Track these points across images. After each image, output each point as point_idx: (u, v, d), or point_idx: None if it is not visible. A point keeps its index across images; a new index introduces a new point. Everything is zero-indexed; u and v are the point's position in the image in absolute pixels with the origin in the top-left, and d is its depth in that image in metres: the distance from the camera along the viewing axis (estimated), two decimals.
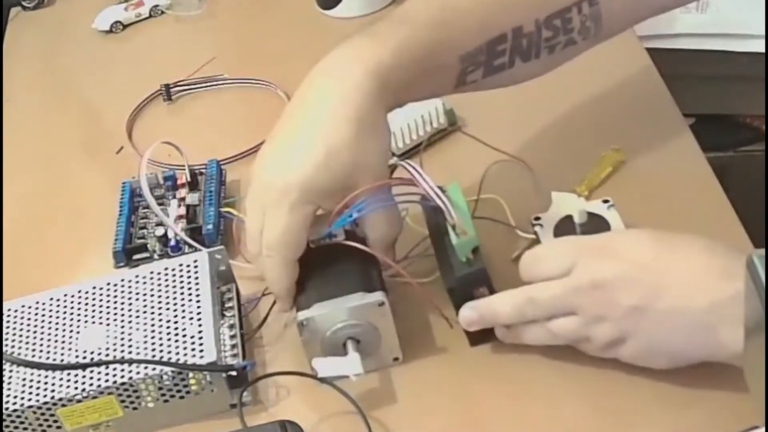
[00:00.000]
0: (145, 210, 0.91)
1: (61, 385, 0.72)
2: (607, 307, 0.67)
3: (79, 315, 0.76)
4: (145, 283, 0.78)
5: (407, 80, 0.72)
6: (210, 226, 0.86)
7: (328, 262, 0.74)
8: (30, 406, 0.71)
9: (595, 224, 0.74)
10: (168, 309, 0.75)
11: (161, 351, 0.72)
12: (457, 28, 0.74)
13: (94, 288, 0.78)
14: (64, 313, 0.77)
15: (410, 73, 0.71)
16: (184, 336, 0.73)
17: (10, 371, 0.73)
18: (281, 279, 0.73)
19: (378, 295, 0.72)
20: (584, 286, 0.67)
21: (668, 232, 0.69)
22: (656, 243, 0.68)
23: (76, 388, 0.71)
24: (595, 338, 0.69)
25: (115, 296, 0.77)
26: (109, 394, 0.71)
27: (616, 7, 0.79)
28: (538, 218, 0.76)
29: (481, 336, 0.74)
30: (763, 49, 1.17)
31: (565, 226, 0.75)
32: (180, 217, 0.87)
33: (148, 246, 0.87)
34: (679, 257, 0.67)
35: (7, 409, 0.71)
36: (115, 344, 0.74)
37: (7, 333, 0.76)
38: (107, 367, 0.72)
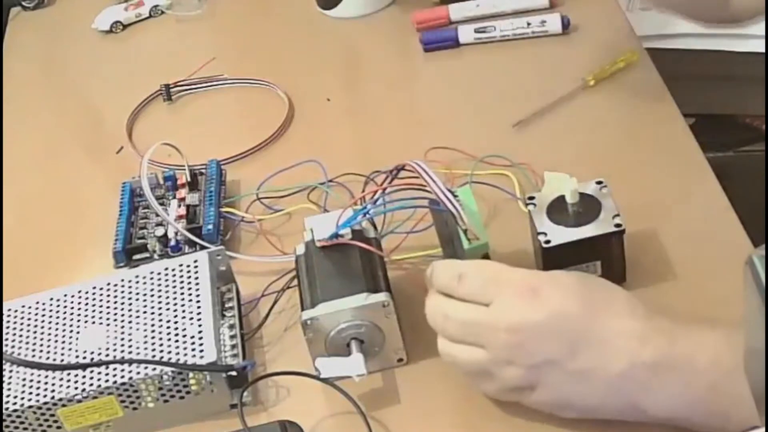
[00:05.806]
0: (145, 210, 0.91)
1: (61, 385, 0.72)
2: (519, 353, 0.65)
3: (79, 315, 0.76)
4: (145, 283, 0.78)
5: None
6: (210, 226, 0.86)
7: (333, 262, 0.74)
8: (30, 406, 0.71)
9: (587, 205, 0.74)
10: (168, 309, 0.75)
11: (161, 351, 0.72)
12: None
13: (94, 288, 0.78)
14: (64, 313, 0.77)
15: None
16: (184, 336, 0.73)
17: (10, 371, 0.73)
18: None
19: (382, 296, 0.72)
20: (500, 326, 0.65)
21: (595, 282, 0.68)
22: (582, 296, 0.65)
23: (76, 388, 0.71)
24: (500, 379, 0.67)
25: (115, 296, 0.77)
26: (109, 394, 0.71)
27: None
28: (531, 198, 0.76)
29: None
30: (762, 49, 1.17)
31: (557, 206, 0.74)
32: (180, 217, 0.87)
33: (148, 246, 0.87)
34: (601, 315, 0.64)
35: (7, 409, 0.71)
36: (115, 344, 0.74)
37: (7, 333, 0.76)
38: (107, 367, 0.72)
